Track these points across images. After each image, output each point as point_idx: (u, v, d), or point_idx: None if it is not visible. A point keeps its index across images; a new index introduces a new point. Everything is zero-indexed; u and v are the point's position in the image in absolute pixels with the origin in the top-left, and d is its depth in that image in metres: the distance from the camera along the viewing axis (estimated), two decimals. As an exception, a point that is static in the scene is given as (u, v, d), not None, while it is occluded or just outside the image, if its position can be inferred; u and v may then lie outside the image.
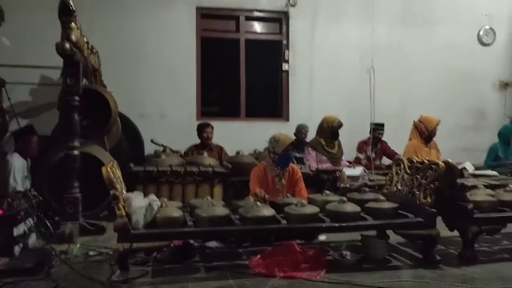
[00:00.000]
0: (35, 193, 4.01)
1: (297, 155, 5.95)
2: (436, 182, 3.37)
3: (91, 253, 3.58)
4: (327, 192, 3.87)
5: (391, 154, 6.53)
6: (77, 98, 4.33)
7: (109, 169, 3.06)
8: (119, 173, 3.35)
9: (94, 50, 5.48)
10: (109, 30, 6.39)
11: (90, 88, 5.01)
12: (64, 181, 4.30)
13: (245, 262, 3.31)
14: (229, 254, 3.64)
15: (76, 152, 4.32)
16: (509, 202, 3.62)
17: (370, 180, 5.27)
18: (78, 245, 3.74)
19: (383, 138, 6.68)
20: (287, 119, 7.19)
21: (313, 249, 3.34)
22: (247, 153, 5.86)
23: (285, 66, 7.25)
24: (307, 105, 7.20)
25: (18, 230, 3.51)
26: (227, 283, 2.93)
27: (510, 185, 3.92)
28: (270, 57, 7.54)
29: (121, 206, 2.99)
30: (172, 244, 3.31)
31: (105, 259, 3.41)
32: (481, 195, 3.66)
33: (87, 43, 4.99)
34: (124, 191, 3.24)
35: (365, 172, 5.50)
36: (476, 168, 5.96)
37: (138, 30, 6.59)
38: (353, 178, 5.29)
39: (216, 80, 7.92)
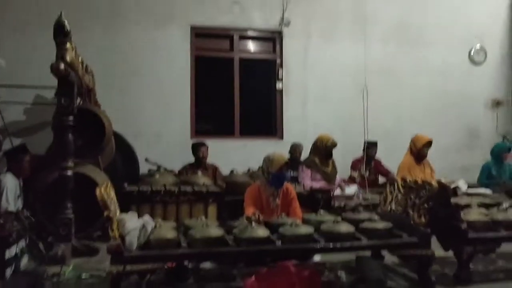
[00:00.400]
0: (28, 214, 3.98)
1: (291, 174, 5.96)
2: (430, 202, 3.38)
3: (84, 275, 3.53)
4: (322, 211, 3.87)
5: (383, 173, 6.55)
6: (71, 118, 4.33)
7: (103, 190, 3.04)
8: (113, 193, 3.33)
9: (89, 70, 5.50)
10: (104, 50, 6.42)
11: (85, 108, 5.01)
12: (57, 202, 4.26)
13: (240, 284, 3.28)
14: (224, 275, 3.61)
15: (69, 172, 4.30)
16: (503, 222, 3.63)
17: (364, 199, 5.27)
18: (71, 267, 3.69)
19: (377, 157, 6.70)
20: (281, 138, 7.22)
21: (308, 270, 3.32)
22: (241, 171, 5.85)
23: (279, 85, 7.31)
24: (301, 123, 7.24)
25: (10, 252, 3.47)
26: (221, 306, 2.90)
27: (504, 204, 3.94)
28: (264, 76, 7.61)
29: (114, 228, 2.96)
30: (166, 266, 3.28)
31: (97, 282, 3.37)
32: (474, 214, 3.67)
33: (82, 62, 5.01)
34: (118, 212, 3.22)
35: (359, 191, 5.51)
36: (470, 186, 5.98)
37: (132, 49, 6.64)
38: (348, 197, 5.31)
39: (210, 98, 7.95)
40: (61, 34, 4.16)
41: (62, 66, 4.04)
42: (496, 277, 3.59)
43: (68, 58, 4.18)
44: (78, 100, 4.90)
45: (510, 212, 3.75)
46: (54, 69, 4.03)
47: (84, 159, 4.92)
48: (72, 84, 4.33)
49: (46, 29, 4.38)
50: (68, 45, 4.24)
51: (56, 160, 4.43)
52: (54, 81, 4.37)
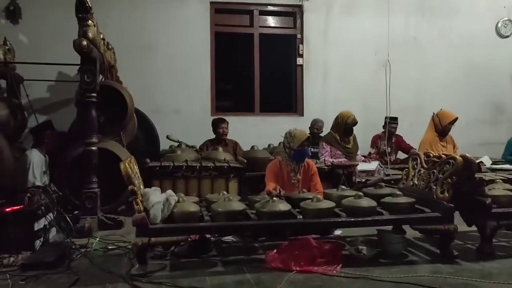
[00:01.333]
0: (55, 188, 4.09)
1: (312, 149, 5.94)
2: (454, 177, 3.34)
3: (110, 247, 3.64)
4: (343, 187, 3.87)
5: (406, 148, 6.49)
6: (94, 94, 4.39)
7: (127, 164, 3.10)
8: (136, 168, 3.39)
9: (110, 46, 5.55)
10: (124, 26, 6.44)
11: (107, 85, 5.06)
12: (82, 177, 4.37)
13: (262, 256, 3.33)
14: (246, 248, 3.66)
15: (94, 148, 4.38)
16: (528, 197, 3.57)
17: (386, 175, 5.24)
18: (97, 239, 3.81)
19: (399, 132, 6.63)
20: (302, 114, 7.18)
21: (329, 244, 3.35)
22: (262, 148, 5.87)
23: (299, 61, 7.23)
24: (321, 99, 7.19)
25: (39, 224, 3.58)
26: (244, 277, 2.95)
27: (529, 180, 3.88)
28: (284, 52, 7.53)
29: (139, 201, 3.02)
30: (189, 239, 3.35)
31: (124, 253, 3.47)
32: (499, 189, 3.61)
33: (103, 39, 5.04)
34: (141, 187, 3.28)
35: (381, 166, 5.48)
36: (494, 162, 5.88)
37: (152, 26, 6.64)
38: (369, 172, 5.29)
39: (230, 75, 7.93)
40: (82, 10, 4.19)
41: (84, 42, 4.08)
42: (520, 252, 3.56)
43: (90, 35, 4.22)
44: (100, 77, 4.95)
45: (536, 188, 3.69)
46: (77, 46, 4.07)
47: (107, 136, 5.00)
48: (94, 61, 4.38)
49: (68, 6, 4.40)
50: (89, 22, 4.28)
51: (80, 136, 4.51)
52: (76, 58, 4.41)
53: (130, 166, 3.16)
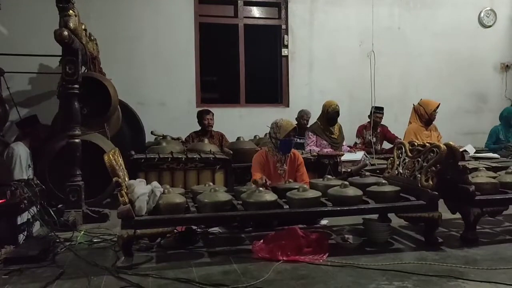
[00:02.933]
0: (38, 181, 4.02)
1: (298, 140, 5.95)
2: (438, 165, 3.37)
3: (95, 240, 3.60)
4: (329, 176, 3.88)
5: (391, 138, 6.54)
6: (77, 86, 4.31)
7: (111, 156, 3.06)
8: (121, 160, 3.35)
9: (92, 37, 5.45)
10: (107, 17, 6.34)
11: (90, 76, 4.98)
12: (66, 170, 4.31)
13: (248, 247, 3.33)
14: (232, 239, 3.66)
15: (77, 140, 4.32)
16: (511, 184, 3.63)
17: (371, 164, 5.28)
18: (82, 232, 3.77)
19: (384, 122, 6.67)
20: (287, 105, 7.18)
21: (315, 233, 3.36)
22: (248, 139, 5.86)
23: (284, 51, 7.21)
24: (307, 90, 7.19)
25: (22, 218, 3.53)
26: (230, 268, 2.95)
27: (511, 167, 3.93)
28: (269, 43, 7.50)
29: (124, 193, 2.99)
30: (175, 230, 3.33)
31: (109, 246, 3.44)
32: (482, 177, 3.66)
33: (85, 30, 4.95)
34: (126, 178, 3.25)
35: (366, 156, 5.51)
36: (477, 151, 5.97)
37: (135, 16, 6.54)
38: (354, 162, 5.31)
39: (215, 66, 7.88)
40: (63, 0, 4.10)
41: (65, 33, 3.99)
42: (503, 238, 3.62)
43: (71, 25, 4.14)
44: (83, 68, 4.87)
45: (518, 175, 3.75)
46: (58, 36, 3.98)
47: (91, 128, 4.94)
48: (76, 52, 4.30)
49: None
50: (71, 12, 4.19)
51: (63, 129, 4.44)
52: (58, 49, 4.33)
53: (114, 158, 3.12)
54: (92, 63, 5.21)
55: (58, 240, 3.44)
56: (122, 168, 3.27)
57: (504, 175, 3.76)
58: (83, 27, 4.77)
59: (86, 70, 5.10)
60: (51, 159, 4.67)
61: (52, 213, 3.84)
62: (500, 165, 4.74)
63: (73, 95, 4.33)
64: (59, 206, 4.34)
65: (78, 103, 4.39)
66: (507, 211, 3.64)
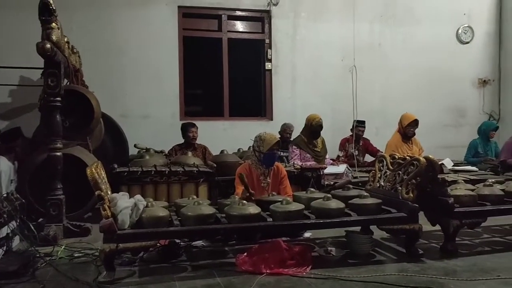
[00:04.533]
0: (17, 195, 3.95)
1: (282, 154, 6.00)
2: (418, 178, 3.43)
3: (76, 254, 3.55)
4: (312, 189, 3.91)
5: (373, 151, 6.63)
6: (59, 99, 4.28)
7: (93, 169, 3.04)
8: (103, 174, 3.33)
9: (75, 50, 5.43)
10: (90, 30, 6.33)
11: (72, 89, 4.95)
12: (47, 183, 4.25)
13: (232, 260, 3.32)
14: (216, 252, 3.65)
15: (59, 153, 4.27)
16: (489, 196, 3.72)
17: (354, 177, 5.34)
18: (63, 247, 3.70)
19: (366, 136, 6.77)
20: (271, 118, 7.23)
21: (298, 246, 3.38)
22: (231, 152, 5.87)
23: (268, 65, 7.29)
24: (290, 104, 7.26)
25: (1, 233, 3.46)
26: (214, 281, 2.94)
27: (489, 180, 4.03)
28: (253, 56, 7.58)
29: (106, 207, 2.96)
30: (158, 244, 3.31)
31: (90, 261, 3.39)
32: (461, 189, 3.74)
33: (68, 43, 4.93)
34: (109, 192, 3.22)
35: (349, 169, 5.58)
36: (456, 164, 6.08)
37: (119, 29, 6.55)
38: (337, 175, 5.37)
39: (199, 79, 7.91)
40: (46, 13, 4.08)
41: (48, 45, 3.97)
42: (482, 249, 3.69)
43: (54, 38, 4.11)
44: (65, 81, 4.84)
45: (495, 188, 3.84)
46: (40, 49, 3.95)
47: (73, 141, 4.89)
48: (58, 64, 4.27)
49: (31, 8, 4.28)
50: (53, 24, 4.16)
51: (45, 142, 4.39)
52: (40, 62, 4.30)
53: (97, 171, 3.10)
54: (74, 76, 5.19)
55: (38, 255, 3.37)
56: (105, 182, 3.25)
57: (482, 187, 3.85)
58: (65, 39, 4.75)
59: (68, 83, 5.07)
60: (32, 173, 4.60)
61: (32, 228, 3.75)
62: (478, 178, 4.86)
63: (55, 108, 4.29)
64: (40, 220, 4.27)
65: (60, 116, 4.35)
66: (486, 223, 3.72)
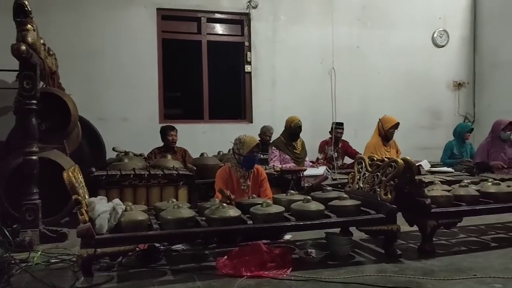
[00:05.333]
0: (-9, 201, 3.86)
1: (262, 156, 6.01)
2: (396, 179, 3.48)
3: (53, 260, 3.47)
4: (292, 191, 3.93)
5: (352, 153, 6.70)
6: (34, 101, 4.20)
7: (70, 173, 2.98)
8: (81, 177, 3.28)
9: (51, 52, 5.33)
10: (67, 31, 6.24)
11: (48, 91, 4.86)
12: (22, 188, 4.15)
13: (212, 263, 3.31)
14: (196, 256, 3.63)
15: (34, 157, 4.18)
16: (465, 197, 3.80)
17: (333, 179, 5.39)
18: (39, 253, 3.62)
19: (345, 138, 6.84)
20: (251, 121, 7.24)
21: (279, 248, 3.38)
22: (211, 155, 5.86)
23: (247, 68, 7.30)
24: (270, 106, 7.28)
25: (-26, 239, 3.37)
26: (194, 285, 2.92)
27: (465, 181, 4.11)
28: (232, 59, 7.58)
29: (84, 211, 2.92)
30: (137, 248, 3.27)
31: (68, 266, 3.33)
32: (438, 190, 3.81)
33: (44, 44, 4.85)
34: (86, 196, 3.17)
35: (328, 171, 5.63)
36: (433, 166, 6.20)
37: (97, 31, 6.47)
38: (316, 177, 5.41)
39: (178, 82, 7.87)
40: (21, 14, 4.00)
41: (23, 47, 3.89)
42: (458, 249, 3.76)
43: (29, 40, 4.03)
44: (41, 83, 4.74)
45: (470, 188, 3.92)
46: (15, 51, 3.87)
47: (49, 144, 4.80)
48: (34, 67, 4.19)
49: (5, 9, 4.20)
50: (29, 26, 4.09)
51: (20, 145, 4.29)
52: (15, 64, 4.21)
53: (74, 175, 3.05)
54: (51, 78, 5.09)
55: (13, 261, 3.29)
56: (82, 186, 3.20)
57: (457, 188, 3.93)
58: (41, 41, 4.67)
59: (44, 85, 4.97)
60: (7, 177, 4.49)
61: (7, 233, 3.69)
62: (454, 179, 4.96)
63: (30, 111, 4.20)
64: (15, 225, 4.16)
65: (36, 119, 4.27)
66: (461, 223, 3.80)
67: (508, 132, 5.92)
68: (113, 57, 6.53)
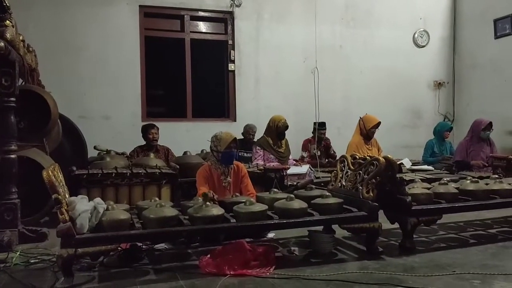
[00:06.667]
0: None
1: (245, 155, 6.02)
2: (378, 177, 3.52)
3: (32, 260, 3.41)
4: (275, 190, 3.94)
5: (332, 155, 6.77)
6: (13, 99, 4.12)
7: (50, 172, 2.93)
8: (61, 176, 3.23)
9: (31, 49, 5.23)
10: (47, 28, 6.14)
11: (28, 89, 4.77)
12: (1, 187, 4.07)
13: (195, 262, 3.29)
14: (179, 255, 3.61)
15: (13, 156, 4.10)
16: (444, 194, 3.86)
17: (316, 178, 5.42)
18: (18, 253, 3.56)
19: (327, 136, 6.89)
20: (234, 119, 7.24)
21: (262, 247, 3.39)
22: (195, 153, 5.83)
23: (231, 66, 7.29)
24: (253, 105, 7.29)
25: (-50, 240, 3.29)
26: (177, 284, 2.91)
27: (445, 179, 4.18)
28: (216, 57, 7.56)
29: (64, 210, 2.87)
30: (119, 248, 3.24)
31: (47, 266, 3.28)
32: (418, 188, 3.86)
33: (23, 41, 4.75)
34: (67, 195, 3.12)
35: (311, 170, 5.66)
36: (414, 164, 6.29)
37: (78, 28, 6.38)
38: (300, 176, 5.44)
39: (161, 80, 7.82)
40: (-1, 10, 3.92)
41: (1, 44, 3.80)
42: (438, 246, 3.82)
43: (8, 36, 3.94)
44: (20, 80, 4.65)
45: (450, 186, 3.99)
46: (-7, 47, 3.79)
47: (28, 143, 4.71)
48: (13, 63, 4.10)
49: (-18, 4, 4.10)
50: (7, 22, 4.00)
51: (-2, 144, 4.20)
52: (-7, 60, 4.12)
53: (54, 174, 2.99)
54: (30, 75, 5.00)
55: (-9, 262, 3.23)
56: (62, 185, 3.15)
57: (437, 186, 3.99)
58: (21, 37, 4.57)
59: (23, 83, 4.88)
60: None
61: (-15, 234, 3.61)
62: (434, 177, 5.04)
63: (9, 109, 4.12)
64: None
65: (15, 117, 4.19)
66: (441, 220, 3.85)
67: (488, 132, 6.04)
68: (94, 54, 6.45)
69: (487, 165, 5.86)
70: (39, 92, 4.88)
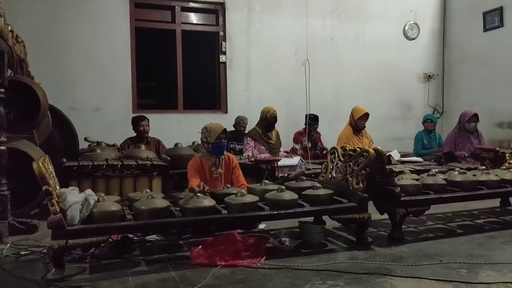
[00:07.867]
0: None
1: (237, 147, 6.03)
2: (367, 169, 3.56)
3: (22, 252, 3.41)
4: (266, 181, 3.96)
5: (321, 148, 6.81)
6: (2, 90, 4.08)
7: (40, 164, 2.92)
8: (51, 168, 3.22)
9: (20, 39, 5.18)
10: (36, 18, 6.07)
11: (17, 80, 4.72)
12: (-10, 179, 4.05)
13: (187, 253, 3.31)
14: (170, 246, 3.62)
15: (3, 147, 4.07)
16: (432, 185, 3.91)
17: (307, 169, 5.46)
18: (8, 245, 3.55)
19: (319, 129, 6.91)
20: (226, 111, 7.24)
21: (253, 238, 3.42)
22: (186, 145, 5.83)
23: (222, 58, 7.28)
24: (245, 97, 7.29)
25: None
26: (168, 275, 2.92)
27: (433, 170, 4.24)
28: (207, 49, 7.53)
29: (55, 202, 2.87)
30: (110, 239, 3.24)
31: (38, 258, 3.28)
32: (407, 179, 3.90)
33: (12, 31, 4.70)
34: (57, 187, 3.12)
35: (302, 161, 5.69)
36: (403, 155, 6.35)
37: (67, 18, 6.32)
38: (291, 167, 5.47)
39: (152, 71, 7.78)
40: (-13, -1, 3.87)
41: (-11, 34, 3.77)
42: (426, 236, 3.88)
43: (-4, 26, 3.91)
44: (9, 71, 4.61)
45: (438, 177, 4.04)
46: (-19, 38, 3.75)
47: (18, 134, 4.68)
48: (1, 54, 4.06)
49: (-31, -6, 4.06)
50: (-5, 12, 3.96)
51: (-13, 136, 4.17)
52: (-19, 51, 4.08)
53: (44, 165, 2.99)
54: (19, 66, 4.94)
55: (-19, 254, 3.23)
56: (53, 176, 3.14)
57: (426, 177, 4.04)
58: (9, 28, 4.52)
59: (12, 73, 4.83)
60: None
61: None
62: (423, 168, 5.10)
63: (-2, 100, 4.08)
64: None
65: (4, 108, 4.15)
66: (429, 211, 3.91)
67: (473, 124, 6.12)
68: (84, 45, 6.40)
69: (467, 155, 5.93)
70: (29, 83, 4.83)
